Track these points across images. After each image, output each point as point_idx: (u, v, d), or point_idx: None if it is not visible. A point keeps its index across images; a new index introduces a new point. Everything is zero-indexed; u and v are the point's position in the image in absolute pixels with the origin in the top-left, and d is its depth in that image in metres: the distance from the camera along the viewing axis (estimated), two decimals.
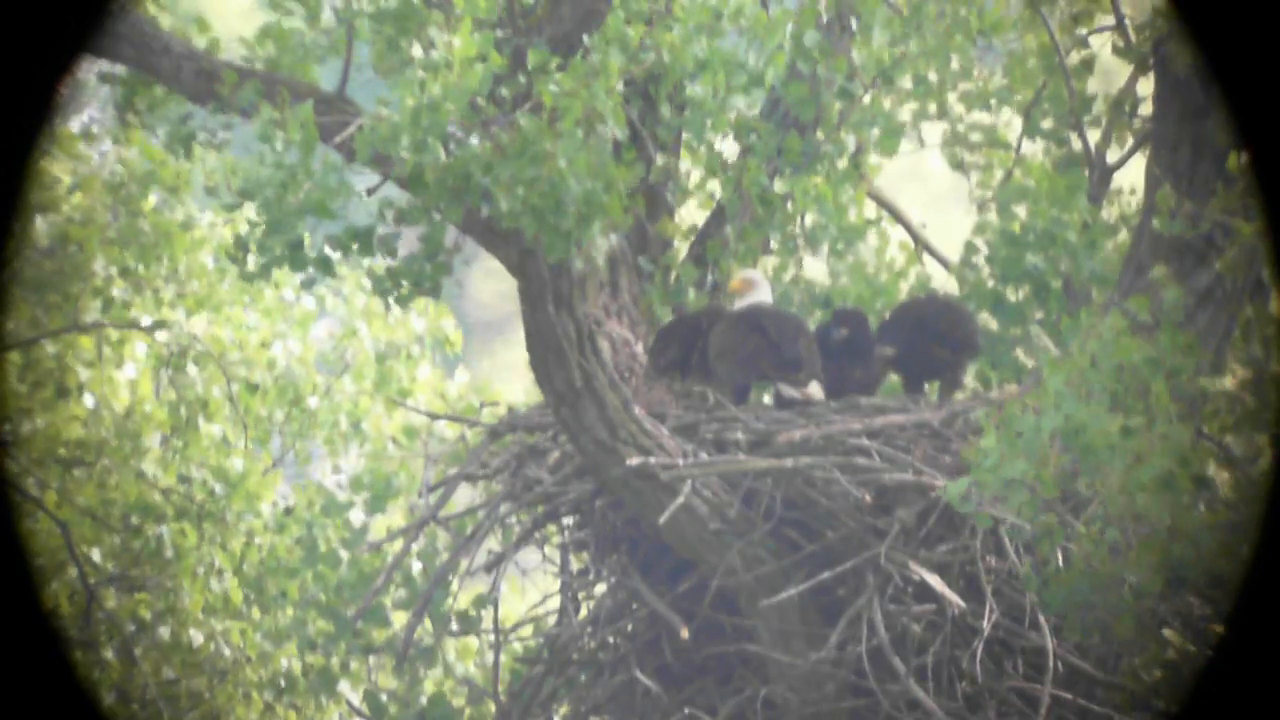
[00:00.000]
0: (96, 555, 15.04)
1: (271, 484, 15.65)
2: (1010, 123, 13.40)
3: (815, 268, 13.13)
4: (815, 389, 11.44)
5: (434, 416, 14.68)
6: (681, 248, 12.68)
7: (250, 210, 9.67)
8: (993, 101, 13.19)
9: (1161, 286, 9.34)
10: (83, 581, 14.85)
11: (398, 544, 12.80)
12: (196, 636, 15.19)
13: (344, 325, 17.12)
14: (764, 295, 11.86)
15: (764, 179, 12.10)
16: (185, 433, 15.56)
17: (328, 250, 9.84)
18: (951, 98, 12.94)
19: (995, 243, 12.54)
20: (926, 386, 12.05)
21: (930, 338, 11.93)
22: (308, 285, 9.97)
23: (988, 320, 12.70)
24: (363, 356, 16.96)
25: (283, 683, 15.37)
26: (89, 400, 15.02)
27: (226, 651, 15.34)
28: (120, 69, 10.59)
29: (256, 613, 15.50)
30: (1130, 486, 8.74)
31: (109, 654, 15.01)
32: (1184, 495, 8.74)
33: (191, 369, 15.78)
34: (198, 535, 15.20)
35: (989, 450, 9.02)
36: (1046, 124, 13.28)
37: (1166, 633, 10.45)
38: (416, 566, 15.17)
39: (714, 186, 12.66)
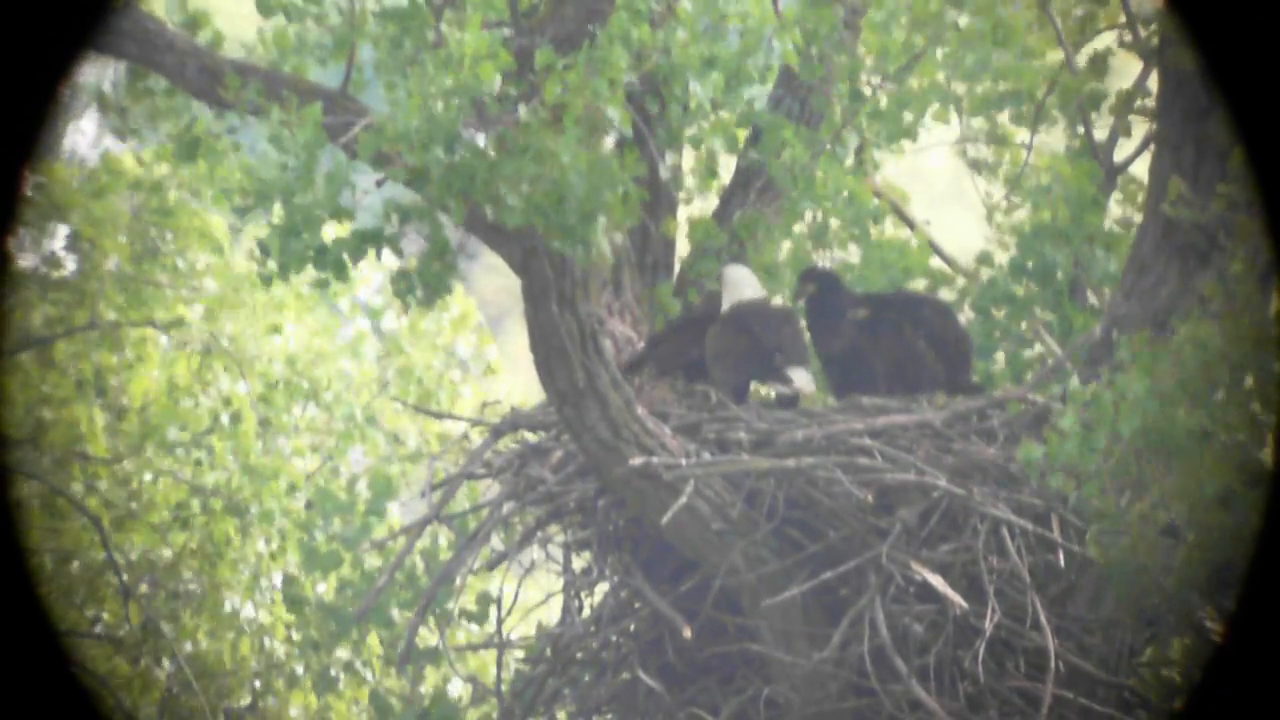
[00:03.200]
0: (132, 553, 15.09)
1: (297, 476, 15.70)
2: (1022, 115, 13.41)
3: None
4: (803, 378, 11.40)
5: (438, 415, 14.69)
6: (682, 250, 12.69)
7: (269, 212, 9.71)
8: (1002, 101, 13.20)
9: (1237, 281, 9.28)
10: (118, 577, 14.88)
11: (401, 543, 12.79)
12: (242, 639, 15.23)
13: (390, 344, 17.24)
14: (748, 290, 11.83)
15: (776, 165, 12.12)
16: (215, 430, 15.61)
17: (339, 253, 9.87)
18: (962, 98, 12.94)
19: (1022, 238, 12.54)
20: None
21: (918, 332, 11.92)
22: (322, 285, 9.97)
23: (996, 317, 12.72)
24: (409, 378, 17.05)
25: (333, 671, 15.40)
26: (116, 397, 15.07)
27: (268, 643, 15.39)
28: (118, 78, 10.63)
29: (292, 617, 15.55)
30: (1194, 492, 8.75)
31: (146, 648, 15.05)
32: (1243, 508, 8.75)
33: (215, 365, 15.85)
34: (236, 529, 15.24)
35: (1068, 433, 9.03)
36: (1055, 117, 13.29)
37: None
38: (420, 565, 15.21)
39: (715, 186, 12.66)
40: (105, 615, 15.03)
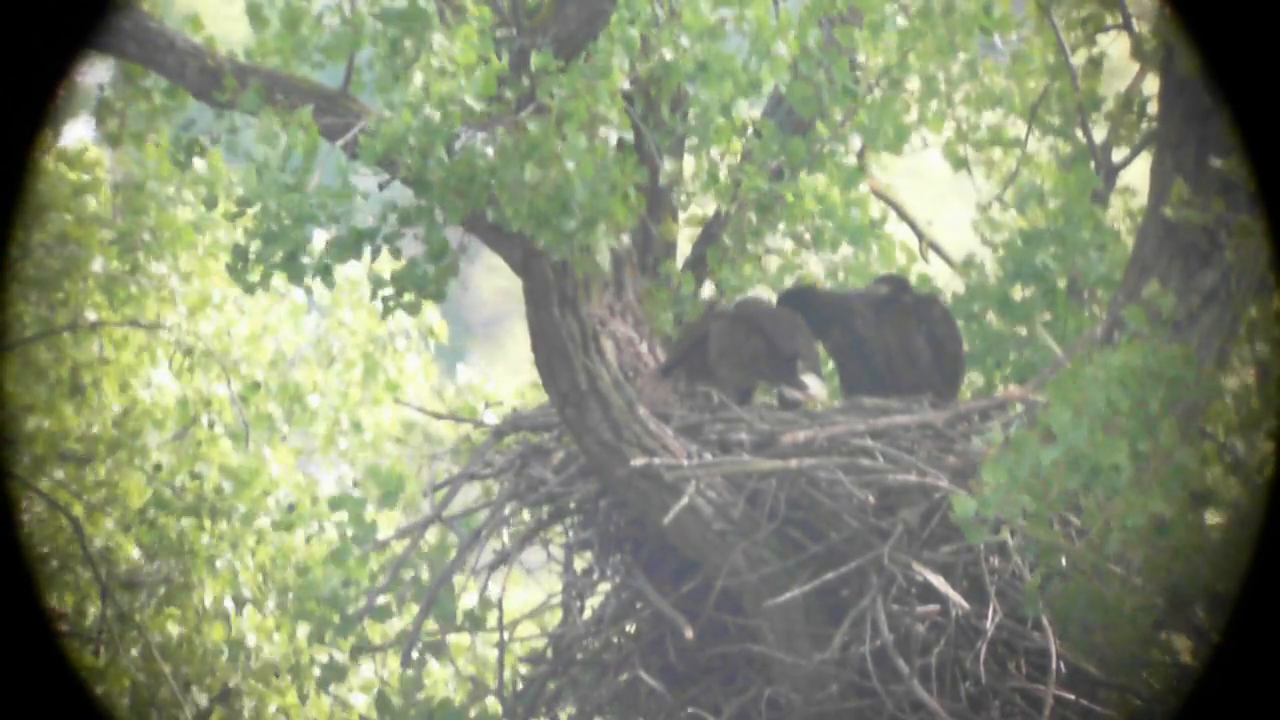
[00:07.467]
0: (109, 551, 15.05)
1: (277, 478, 15.66)
2: (1015, 120, 13.40)
3: (817, 267, 13.12)
4: (815, 385, 11.43)
5: (438, 416, 14.68)
6: (683, 250, 12.67)
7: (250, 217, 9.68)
8: (998, 100, 13.18)
9: (1158, 297, 9.29)
10: (96, 578, 14.85)
11: (404, 542, 12.80)
12: (214, 629, 15.21)
13: (330, 315, 17.15)
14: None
15: (763, 183, 12.07)
16: (193, 430, 15.58)
17: (327, 258, 9.84)
18: (956, 97, 12.93)
19: (1010, 240, 12.52)
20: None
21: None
22: (309, 290, 9.98)
23: (993, 319, 12.71)
24: (354, 349, 16.98)
25: (316, 671, 15.37)
26: (96, 397, 15.04)
27: (250, 641, 15.35)
28: (111, 81, 10.63)
29: (277, 617, 15.52)
30: (1132, 517, 8.71)
31: (124, 650, 15.02)
32: (1185, 527, 8.71)
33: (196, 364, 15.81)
34: (211, 531, 15.21)
35: (993, 483, 8.97)
36: (1052, 119, 13.27)
37: (1171, 638, 10.46)
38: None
39: (714, 192, 12.62)
40: (74, 607, 15.01)
